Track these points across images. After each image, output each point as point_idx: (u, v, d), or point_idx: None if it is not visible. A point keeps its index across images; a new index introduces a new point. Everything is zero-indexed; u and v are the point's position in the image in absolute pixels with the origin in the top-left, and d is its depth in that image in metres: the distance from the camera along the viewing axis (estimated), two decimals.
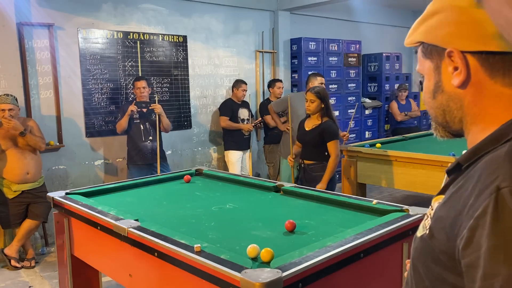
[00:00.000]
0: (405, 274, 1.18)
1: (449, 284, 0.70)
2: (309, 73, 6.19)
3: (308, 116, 3.86)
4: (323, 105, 3.70)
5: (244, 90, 5.56)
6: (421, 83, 9.17)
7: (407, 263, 1.20)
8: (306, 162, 3.77)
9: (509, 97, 0.75)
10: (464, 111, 0.81)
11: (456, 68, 0.78)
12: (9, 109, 3.90)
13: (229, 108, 5.52)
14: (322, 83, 4.47)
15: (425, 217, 0.83)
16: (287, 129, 4.95)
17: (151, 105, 4.57)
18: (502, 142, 0.70)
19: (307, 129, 3.76)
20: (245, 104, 5.69)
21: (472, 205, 0.65)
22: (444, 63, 0.80)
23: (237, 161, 5.53)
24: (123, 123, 4.56)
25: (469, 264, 0.63)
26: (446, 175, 0.84)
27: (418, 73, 8.17)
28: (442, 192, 0.81)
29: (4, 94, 3.98)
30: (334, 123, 3.74)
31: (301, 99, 4.65)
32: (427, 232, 0.76)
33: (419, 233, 0.81)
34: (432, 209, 0.81)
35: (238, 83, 5.58)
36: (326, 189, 3.49)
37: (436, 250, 0.73)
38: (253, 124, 5.60)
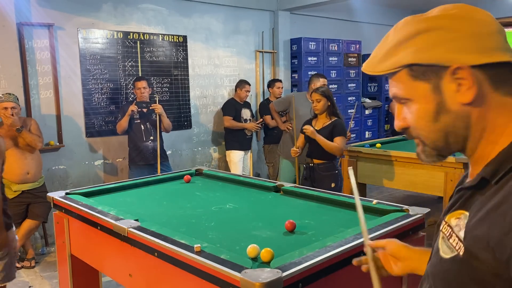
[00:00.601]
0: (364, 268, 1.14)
1: None
2: (311, 73, 6.21)
3: (315, 116, 3.88)
4: (329, 103, 3.76)
5: (247, 90, 5.56)
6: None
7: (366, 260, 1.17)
8: (315, 161, 3.78)
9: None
10: (472, 128, 0.78)
11: (459, 85, 0.76)
12: (12, 107, 3.93)
13: (232, 107, 5.52)
14: (324, 84, 4.49)
15: (441, 235, 0.79)
16: (287, 128, 4.96)
17: (152, 105, 4.57)
18: None
19: (316, 128, 3.78)
20: (247, 105, 5.70)
21: None
22: (444, 82, 0.77)
23: (239, 161, 5.53)
24: (123, 124, 4.56)
25: None
26: (456, 190, 0.81)
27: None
28: (459, 207, 0.78)
29: (6, 93, 3.99)
30: (343, 123, 3.81)
31: (303, 99, 4.66)
32: (462, 253, 0.72)
33: (446, 254, 0.76)
34: (449, 227, 0.77)
35: (242, 84, 5.57)
36: (335, 190, 3.53)
37: (480, 272, 0.69)
38: (257, 123, 5.60)
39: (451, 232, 0.76)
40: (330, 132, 3.71)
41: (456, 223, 0.76)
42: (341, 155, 3.71)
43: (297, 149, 3.91)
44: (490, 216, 0.69)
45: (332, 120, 3.77)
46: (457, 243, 0.74)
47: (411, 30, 0.79)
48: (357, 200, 1.23)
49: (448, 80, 0.76)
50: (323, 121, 3.80)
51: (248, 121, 5.63)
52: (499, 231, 0.66)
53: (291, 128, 4.89)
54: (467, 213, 0.75)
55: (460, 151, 0.82)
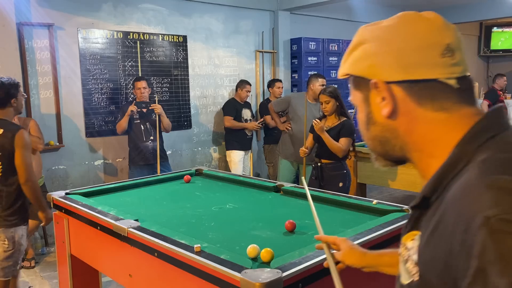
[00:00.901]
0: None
1: None
2: (311, 73, 6.21)
3: (324, 116, 3.87)
4: (337, 104, 3.74)
5: (248, 91, 5.55)
6: None
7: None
8: (324, 161, 3.78)
9: (443, 121, 0.73)
10: (403, 140, 0.79)
11: (383, 99, 0.77)
12: None
13: (233, 107, 5.52)
14: (323, 85, 4.49)
15: (401, 258, 0.76)
16: (286, 128, 4.96)
17: (151, 105, 4.57)
18: (461, 167, 0.67)
19: (325, 128, 3.78)
20: (247, 105, 5.70)
21: (464, 241, 0.58)
22: (372, 94, 0.79)
23: (240, 161, 5.53)
24: (123, 124, 4.56)
25: None
26: (410, 207, 0.79)
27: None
28: (412, 228, 0.75)
29: None
30: (352, 124, 3.78)
31: (302, 99, 4.66)
32: (417, 279, 0.69)
33: (405, 280, 0.73)
34: (407, 249, 0.74)
35: (243, 84, 5.57)
36: (342, 189, 3.53)
37: None
38: (258, 122, 5.60)
39: (408, 256, 0.73)
40: (338, 132, 3.70)
41: (412, 245, 0.73)
42: (343, 156, 3.70)
43: (306, 149, 3.90)
44: (433, 237, 0.66)
45: (341, 120, 3.75)
46: (413, 267, 0.70)
47: (355, 40, 0.82)
48: (312, 206, 1.30)
49: (374, 93, 0.79)
50: (332, 121, 3.79)
51: (249, 121, 5.63)
52: (441, 253, 0.63)
53: (290, 128, 4.89)
54: (420, 234, 0.72)
55: (406, 159, 0.82)
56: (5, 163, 2.78)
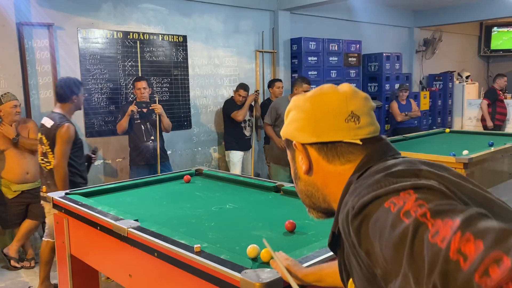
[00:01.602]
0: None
1: None
2: (311, 73, 6.20)
3: None
4: None
5: (240, 95, 5.49)
6: (421, 83, 9.17)
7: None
8: None
9: (349, 169, 0.88)
10: (322, 192, 0.93)
11: (302, 158, 0.93)
12: (18, 105, 4.00)
13: (234, 105, 5.51)
14: (308, 90, 4.53)
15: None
16: (283, 146, 4.97)
17: (152, 105, 4.57)
18: (344, 195, 0.83)
19: None
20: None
21: (346, 233, 0.78)
22: (296, 153, 0.95)
23: (239, 161, 5.52)
24: (123, 124, 4.56)
25: None
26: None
27: (417, 73, 8.07)
28: (348, 276, 0.89)
29: (7, 92, 4.00)
30: None
31: (285, 102, 4.72)
32: None
33: None
34: None
35: (237, 88, 5.56)
36: None
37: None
38: (255, 91, 5.72)
39: None
40: None
41: None
42: None
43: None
44: (349, 264, 0.82)
45: None
46: None
47: (287, 107, 0.99)
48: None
49: (297, 153, 0.95)
50: None
51: (248, 122, 5.63)
52: (357, 278, 0.78)
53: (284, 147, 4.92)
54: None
55: (331, 209, 0.94)
56: (54, 151, 3.28)
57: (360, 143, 0.87)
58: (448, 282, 0.55)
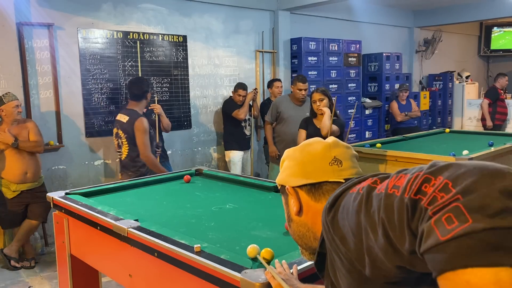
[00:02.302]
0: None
1: None
2: (311, 73, 6.20)
3: (314, 116, 3.90)
4: (330, 103, 3.86)
5: (240, 95, 5.49)
6: (421, 83, 9.17)
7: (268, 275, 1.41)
8: None
9: None
10: (313, 231, 1.01)
11: (293, 201, 1.03)
12: (19, 105, 4.02)
13: (233, 105, 5.51)
14: (302, 90, 4.66)
15: None
16: (273, 155, 5.02)
17: (151, 105, 4.56)
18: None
19: (319, 126, 3.80)
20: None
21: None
22: (289, 197, 1.06)
23: (238, 161, 5.52)
24: None
25: None
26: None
27: (417, 73, 8.06)
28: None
29: (8, 92, 4.00)
30: (343, 123, 4.01)
31: (287, 101, 4.76)
32: None
33: None
34: None
35: (236, 88, 5.56)
36: None
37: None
38: (253, 89, 5.69)
39: None
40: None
41: None
42: (325, 136, 3.76)
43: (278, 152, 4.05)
44: (334, 273, 0.88)
45: (333, 118, 3.82)
46: None
47: (283, 157, 1.11)
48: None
49: (289, 197, 1.05)
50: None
51: (248, 121, 5.63)
52: (342, 278, 0.83)
53: (277, 155, 4.93)
54: None
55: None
56: (130, 143, 3.67)
57: (344, 181, 0.96)
58: (389, 212, 0.66)
